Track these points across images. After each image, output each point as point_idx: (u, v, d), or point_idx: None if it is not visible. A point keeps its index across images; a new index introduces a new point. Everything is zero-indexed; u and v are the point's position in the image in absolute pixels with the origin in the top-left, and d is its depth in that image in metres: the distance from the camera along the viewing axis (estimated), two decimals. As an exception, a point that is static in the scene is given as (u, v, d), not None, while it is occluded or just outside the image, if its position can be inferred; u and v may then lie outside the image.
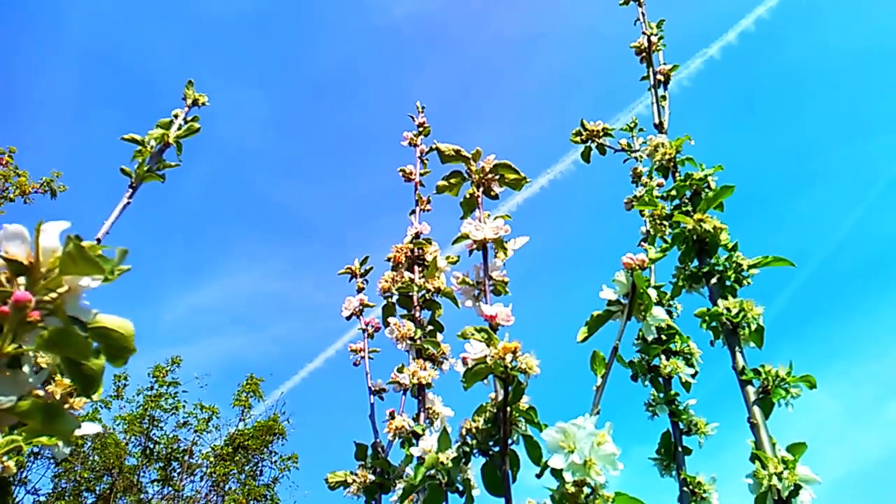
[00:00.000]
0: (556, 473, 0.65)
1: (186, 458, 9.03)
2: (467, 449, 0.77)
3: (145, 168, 0.84)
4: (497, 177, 0.96)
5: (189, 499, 8.78)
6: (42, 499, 8.44)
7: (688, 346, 1.28)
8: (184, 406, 9.35)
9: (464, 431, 0.78)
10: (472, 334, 0.74)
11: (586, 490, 0.64)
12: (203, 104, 0.95)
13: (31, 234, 0.36)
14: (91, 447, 8.62)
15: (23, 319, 0.34)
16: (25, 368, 0.37)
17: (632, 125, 1.73)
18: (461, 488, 0.84)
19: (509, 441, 0.77)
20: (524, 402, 0.77)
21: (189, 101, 0.94)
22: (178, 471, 9.00)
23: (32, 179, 6.07)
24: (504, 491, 0.74)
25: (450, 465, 0.80)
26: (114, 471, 8.54)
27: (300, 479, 9.23)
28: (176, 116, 0.91)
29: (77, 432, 0.63)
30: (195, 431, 9.22)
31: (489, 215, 0.93)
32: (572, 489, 0.63)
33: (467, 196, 0.97)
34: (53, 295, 0.37)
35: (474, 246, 0.90)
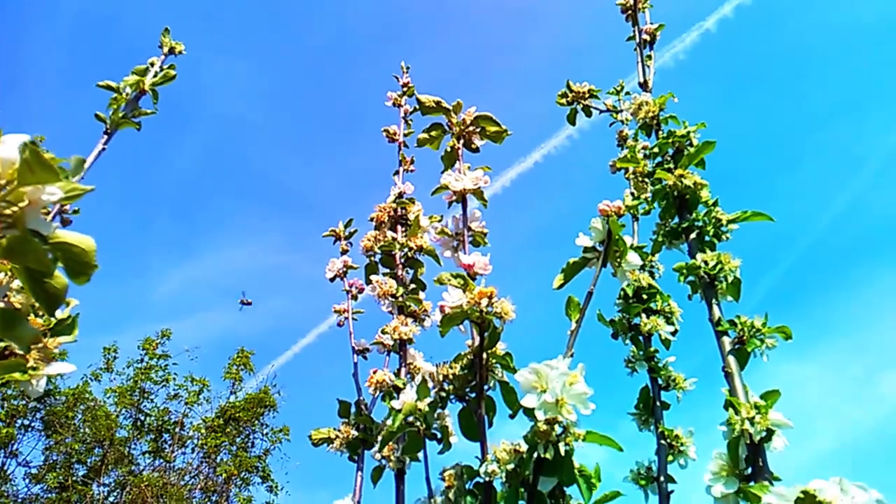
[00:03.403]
0: (529, 412, 0.65)
1: (177, 430, 9.07)
2: (444, 395, 0.78)
3: (120, 115, 0.84)
4: (478, 129, 0.96)
5: (181, 470, 8.84)
6: (33, 471, 8.47)
7: (668, 305, 1.29)
8: (174, 378, 9.38)
9: (441, 377, 0.78)
10: (449, 280, 0.74)
11: (558, 428, 0.65)
12: (180, 53, 0.94)
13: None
14: (82, 419, 8.65)
15: (-20, 228, 0.34)
16: (-15, 280, 0.37)
17: (619, 88, 1.72)
18: (439, 435, 0.85)
19: (485, 387, 0.77)
20: (501, 349, 0.77)
21: (165, 50, 0.93)
22: (170, 442, 9.05)
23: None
24: (479, 435, 0.75)
25: (427, 410, 0.81)
26: (105, 443, 8.57)
27: (292, 451, 9.31)
28: (152, 64, 0.90)
29: (50, 370, 0.63)
30: (186, 404, 9.27)
31: (469, 167, 0.93)
32: (544, 427, 0.64)
33: (448, 149, 0.97)
34: (14, 209, 0.36)
35: (454, 197, 0.90)
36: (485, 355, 0.76)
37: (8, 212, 0.36)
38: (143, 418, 9.04)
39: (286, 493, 9.09)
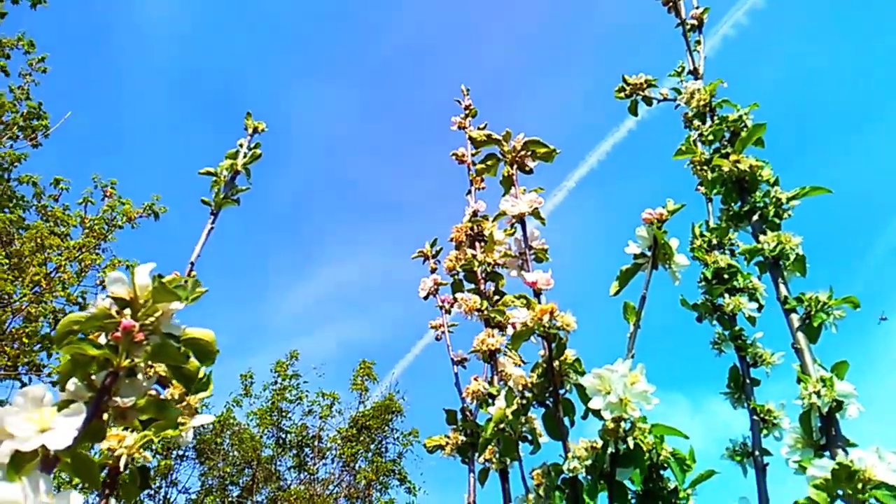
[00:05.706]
0: (597, 413, 0.73)
1: (316, 443, 9.59)
2: (525, 402, 0.87)
3: (221, 196, 0.98)
4: (528, 153, 1.04)
5: (324, 480, 9.34)
6: (193, 496, 9.21)
7: (751, 282, 1.31)
8: (307, 395, 9.92)
9: (520, 387, 0.87)
10: (513, 301, 0.83)
11: (624, 425, 0.72)
12: (262, 131, 1.08)
13: (127, 276, 0.48)
14: (230, 443, 9.30)
15: (131, 340, 0.47)
16: (140, 376, 0.49)
17: (679, 70, 1.74)
18: (529, 437, 0.94)
19: (562, 391, 0.86)
20: (571, 356, 0.85)
21: (250, 130, 1.07)
22: (311, 456, 9.58)
23: (136, 206, 6.60)
24: (560, 435, 0.83)
25: (511, 417, 0.90)
26: (253, 463, 9.19)
27: (424, 453, 9.61)
28: (241, 146, 1.05)
29: (194, 422, 0.77)
30: (320, 418, 9.78)
31: (524, 191, 1.01)
32: (611, 425, 0.72)
33: (504, 175, 1.06)
34: (151, 319, 0.49)
35: (513, 220, 0.99)
36: (556, 363, 0.84)
37: (147, 322, 0.49)
38: (284, 436, 9.62)
39: (424, 493, 9.41)
